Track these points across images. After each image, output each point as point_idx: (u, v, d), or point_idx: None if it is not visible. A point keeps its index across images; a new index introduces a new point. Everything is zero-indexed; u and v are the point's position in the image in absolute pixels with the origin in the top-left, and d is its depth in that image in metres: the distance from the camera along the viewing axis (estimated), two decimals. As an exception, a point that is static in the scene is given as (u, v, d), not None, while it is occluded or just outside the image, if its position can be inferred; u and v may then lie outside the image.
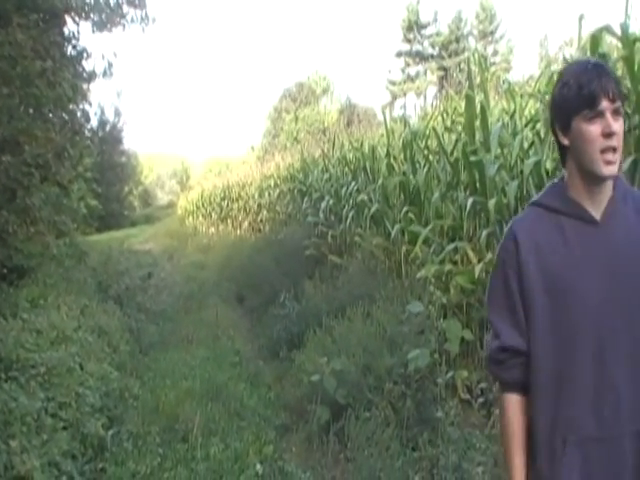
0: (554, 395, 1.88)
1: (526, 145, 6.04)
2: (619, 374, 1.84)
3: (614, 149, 1.82)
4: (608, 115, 1.81)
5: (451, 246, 6.27)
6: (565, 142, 1.90)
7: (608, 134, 1.81)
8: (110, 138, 41.16)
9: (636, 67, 4.63)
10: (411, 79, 41.43)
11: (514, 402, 1.97)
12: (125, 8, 14.13)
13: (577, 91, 1.83)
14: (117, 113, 43.20)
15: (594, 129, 1.82)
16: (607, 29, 4.76)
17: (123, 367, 6.92)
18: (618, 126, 1.82)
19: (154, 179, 67.09)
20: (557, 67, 5.77)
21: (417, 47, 41.60)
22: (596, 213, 1.89)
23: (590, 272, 1.86)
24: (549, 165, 5.57)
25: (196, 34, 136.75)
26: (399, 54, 42.22)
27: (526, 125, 6.26)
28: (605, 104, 1.81)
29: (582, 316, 1.86)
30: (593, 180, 1.87)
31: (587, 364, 1.85)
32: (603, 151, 1.81)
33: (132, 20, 14.33)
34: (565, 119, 1.88)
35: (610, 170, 1.83)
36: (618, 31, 4.67)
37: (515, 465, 1.94)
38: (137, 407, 5.91)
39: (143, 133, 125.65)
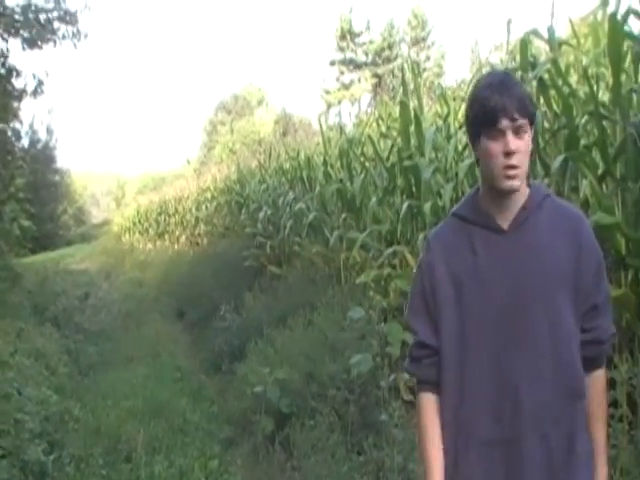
0: (459, 396, 1.93)
1: (460, 148, 6.13)
2: (520, 378, 1.88)
3: (514, 166, 1.86)
4: (508, 134, 1.85)
5: (389, 250, 6.31)
6: (476, 155, 1.97)
7: (507, 153, 1.85)
8: (42, 157, 40.25)
9: (563, 69, 4.75)
10: (345, 87, 41.71)
11: (430, 401, 2.00)
12: (56, 24, 13.88)
13: (480, 109, 1.88)
14: (49, 131, 42.35)
15: (495, 147, 1.86)
16: (535, 33, 4.87)
17: (62, 390, 6.75)
18: (520, 144, 1.86)
19: (89, 197, 65.89)
20: (487, 70, 5.86)
21: (351, 55, 41.95)
22: (504, 222, 1.93)
23: (494, 279, 1.91)
24: (483, 167, 5.64)
25: (129, 49, 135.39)
26: (333, 63, 42.51)
27: (460, 128, 6.35)
28: (505, 123, 1.84)
29: (485, 321, 1.91)
30: (498, 192, 1.92)
31: (489, 368, 1.90)
32: (504, 167, 1.86)
33: (63, 36, 14.09)
34: (473, 134, 1.94)
35: (510, 185, 1.88)
36: (545, 35, 4.77)
37: (431, 465, 1.96)
38: (78, 430, 5.76)
39: (76, 151, 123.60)
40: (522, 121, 1.85)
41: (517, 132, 1.86)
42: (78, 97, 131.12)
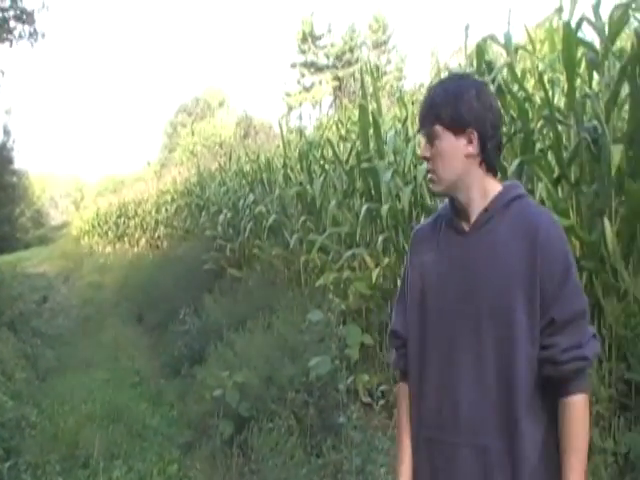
0: (417, 391, 2.00)
1: (419, 151, 6.17)
2: (462, 379, 1.88)
3: (429, 171, 1.96)
4: (422, 141, 1.96)
5: (348, 253, 6.35)
6: None
7: (422, 158, 1.99)
8: None
9: (519, 73, 4.83)
10: (307, 90, 41.76)
11: (403, 390, 2.07)
12: (12, 23, 13.69)
13: None
14: (6, 132, 41.54)
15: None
16: (492, 38, 4.94)
17: (19, 395, 6.64)
18: (432, 150, 1.92)
19: (47, 199, 64.92)
20: (446, 75, 5.93)
21: (312, 58, 41.99)
22: (467, 224, 1.95)
23: (449, 279, 1.94)
24: (441, 170, 5.71)
25: (89, 50, 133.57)
26: (294, 65, 42.50)
27: (418, 131, 6.39)
28: (421, 131, 1.97)
29: (438, 318, 1.95)
30: None
31: (438, 365, 1.93)
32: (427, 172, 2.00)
33: (20, 36, 13.90)
34: None
35: (432, 188, 1.99)
36: (502, 40, 4.84)
37: (400, 454, 2.06)
38: (35, 436, 5.66)
39: (35, 153, 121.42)
40: (428, 129, 1.91)
41: (429, 139, 1.92)
42: (37, 98, 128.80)
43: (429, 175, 1.96)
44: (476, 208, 1.93)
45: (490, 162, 1.93)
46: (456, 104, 1.88)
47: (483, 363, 1.86)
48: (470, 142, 1.88)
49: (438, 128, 1.89)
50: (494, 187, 1.93)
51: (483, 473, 1.84)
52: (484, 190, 1.92)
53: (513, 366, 1.83)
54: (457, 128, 1.88)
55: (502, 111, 4.87)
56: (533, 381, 1.82)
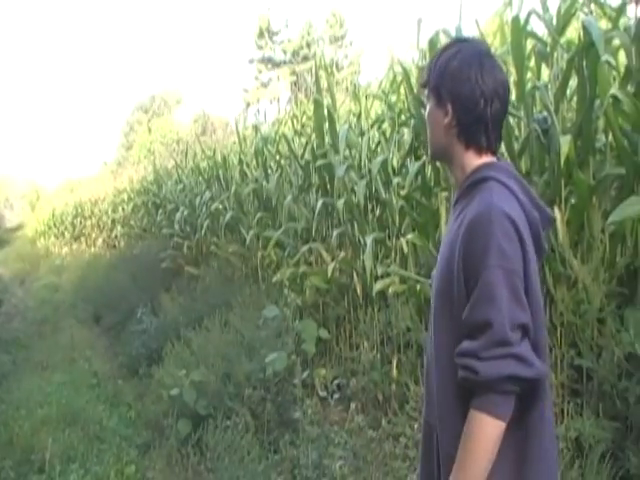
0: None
1: (373, 145, 6.20)
2: (429, 373, 1.93)
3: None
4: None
5: (305, 248, 6.35)
6: None
7: None
8: (-49, 160, 38.75)
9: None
10: (264, 85, 41.64)
11: None
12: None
13: None
14: (-42, 134, 40.84)
15: None
16: (444, 32, 4.97)
17: (-26, 401, 6.52)
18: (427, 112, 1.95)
19: (2, 200, 63.77)
20: (399, 69, 5.96)
21: (269, 54, 41.88)
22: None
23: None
24: (395, 163, 5.75)
25: (42, 49, 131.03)
26: (251, 61, 42.33)
27: (372, 125, 6.43)
28: None
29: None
30: None
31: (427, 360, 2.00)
32: None
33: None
34: None
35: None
36: (454, 34, 4.87)
37: None
38: (-11, 442, 5.57)
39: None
40: (423, 89, 1.95)
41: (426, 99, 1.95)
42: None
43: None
44: (458, 184, 1.90)
45: (468, 137, 1.84)
46: (436, 72, 1.87)
47: (431, 351, 1.90)
48: (446, 114, 1.85)
49: (427, 92, 1.91)
50: (473, 164, 1.86)
51: (439, 457, 1.88)
52: (462, 166, 1.87)
53: (435, 371, 1.86)
54: (437, 98, 1.87)
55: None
56: (447, 387, 1.79)
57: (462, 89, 1.80)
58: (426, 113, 1.94)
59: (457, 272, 1.72)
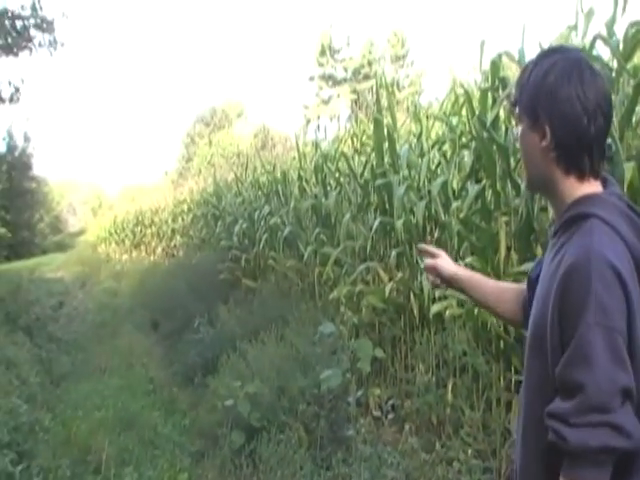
0: None
1: (433, 166, 6.22)
2: (518, 425, 1.74)
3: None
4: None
5: (362, 266, 6.38)
6: None
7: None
8: (19, 164, 40.02)
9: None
10: (324, 102, 41.90)
11: None
12: (32, 32, 13.90)
13: None
14: (26, 138, 42.11)
15: None
16: (506, 54, 4.98)
17: (33, 400, 6.67)
18: (516, 133, 1.74)
19: (66, 205, 65.47)
20: (461, 91, 5.98)
21: (330, 71, 42.13)
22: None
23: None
24: (455, 185, 5.75)
25: (108, 59, 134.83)
26: (312, 78, 42.66)
27: (433, 146, 6.44)
28: None
29: None
30: None
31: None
32: None
33: (40, 44, 14.12)
34: None
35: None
36: (517, 56, 4.88)
37: None
38: (48, 440, 5.69)
39: (55, 159, 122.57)
40: (514, 108, 1.71)
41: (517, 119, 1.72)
42: (58, 106, 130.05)
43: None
44: (557, 214, 1.69)
45: (569, 161, 1.61)
46: (530, 90, 1.64)
47: (521, 413, 1.71)
48: (543, 136, 1.62)
49: (518, 112, 1.69)
50: (574, 194, 1.62)
51: None
52: (562, 195, 1.64)
53: (524, 401, 1.68)
54: (531, 117, 1.64)
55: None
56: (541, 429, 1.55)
57: (561, 107, 1.58)
58: (518, 135, 1.71)
59: (551, 320, 1.53)
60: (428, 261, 2.16)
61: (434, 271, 2.14)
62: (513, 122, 4.89)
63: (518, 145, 1.73)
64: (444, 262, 2.14)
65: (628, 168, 3.65)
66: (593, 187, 1.62)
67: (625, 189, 3.69)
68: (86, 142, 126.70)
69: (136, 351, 9.31)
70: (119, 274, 19.48)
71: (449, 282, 2.13)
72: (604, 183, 1.66)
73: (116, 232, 27.10)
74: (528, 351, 1.66)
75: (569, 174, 1.62)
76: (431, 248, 2.21)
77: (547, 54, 1.68)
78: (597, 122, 1.58)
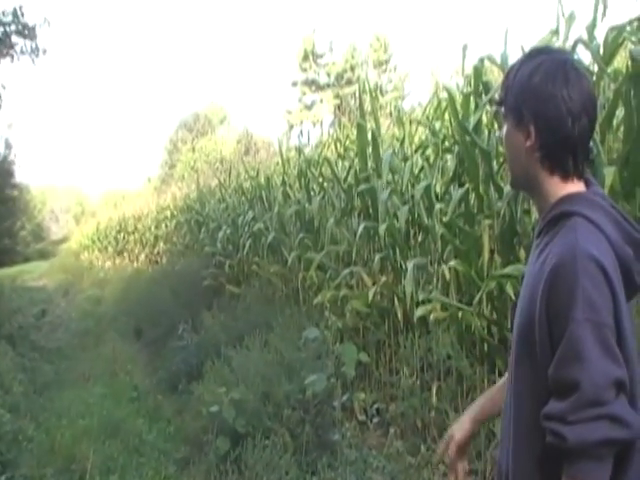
0: None
1: (416, 170, 6.24)
2: (505, 419, 1.74)
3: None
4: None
5: (346, 271, 6.39)
6: None
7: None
8: (1, 171, 39.70)
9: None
10: (307, 108, 41.94)
11: None
12: (14, 39, 13.81)
13: None
14: (8, 145, 41.70)
15: None
16: (489, 58, 5.01)
17: (16, 409, 6.63)
18: (501, 133, 1.74)
19: (48, 213, 65.08)
20: (444, 95, 6.01)
21: (313, 76, 42.18)
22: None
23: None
24: (438, 189, 5.78)
25: (90, 65, 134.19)
26: (295, 83, 42.68)
27: (416, 151, 6.48)
28: None
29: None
30: None
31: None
32: None
33: (22, 51, 14.03)
34: None
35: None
36: (499, 60, 4.91)
37: None
38: (32, 449, 5.65)
39: (36, 165, 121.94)
40: (499, 108, 1.72)
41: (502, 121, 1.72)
42: (38, 112, 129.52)
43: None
44: (541, 214, 1.70)
45: (554, 161, 1.62)
46: (515, 90, 1.65)
47: (507, 418, 1.71)
48: (528, 136, 1.63)
49: (504, 111, 1.70)
50: (558, 193, 1.64)
51: None
52: (546, 195, 1.66)
53: (512, 406, 1.67)
54: (516, 117, 1.65)
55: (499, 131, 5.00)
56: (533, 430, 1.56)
57: (546, 108, 1.59)
58: (503, 135, 1.72)
59: (539, 320, 1.53)
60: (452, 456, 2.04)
61: (462, 447, 2.04)
62: (496, 126, 4.94)
63: (502, 144, 1.76)
64: (458, 432, 2.05)
65: (609, 172, 3.69)
66: (577, 187, 1.64)
67: (606, 192, 3.72)
68: (68, 148, 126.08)
69: (120, 359, 9.25)
70: (102, 282, 19.38)
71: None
72: (587, 183, 1.67)
73: (99, 239, 26.96)
74: (515, 357, 1.66)
75: (553, 174, 1.63)
76: (448, 448, 2.07)
77: (533, 55, 1.69)
78: (581, 123, 1.59)
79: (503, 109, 1.71)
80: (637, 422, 1.45)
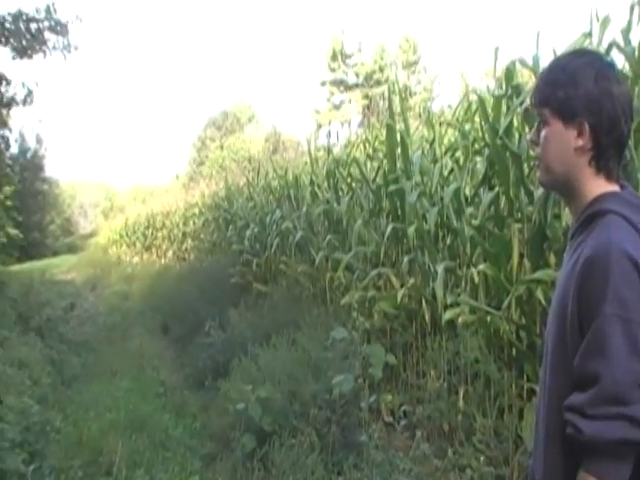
0: None
1: (445, 172, 6.22)
2: (539, 421, 1.71)
3: (537, 157, 1.72)
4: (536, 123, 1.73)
5: (374, 272, 6.38)
6: None
7: (530, 142, 1.79)
8: (31, 165, 40.33)
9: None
10: (336, 108, 41.94)
11: None
12: (47, 34, 13.98)
13: None
14: (38, 140, 42.44)
15: None
16: (520, 61, 4.98)
17: (45, 400, 6.72)
18: (542, 136, 1.69)
19: (77, 208, 65.73)
20: (474, 97, 5.98)
21: (342, 76, 42.16)
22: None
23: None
24: (468, 192, 5.75)
25: (120, 62, 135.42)
26: (323, 83, 42.71)
27: (445, 153, 6.44)
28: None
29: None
30: None
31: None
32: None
33: (54, 47, 14.19)
34: None
35: (538, 177, 1.76)
36: (530, 63, 4.88)
37: None
38: (59, 441, 5.72)
39: (66, 160, 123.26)
40: (538, 111, 1.68)
41: (539, 122, 1.69)
42: (70, 108, 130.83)
43: (536, 162, 1.75)
44: (575, 215, 1.68)
45: (603, 161, 1.61)
46: (567, 87, 1.61)
47: (542, 397, 1.69)
48: (580, 134, 1.60)
49: (546, 112, 1.65)
50: (596, 193, 1.62)
51: None
52: (585, 195, 1.63)
53: (546, 405, 1.65)
54: (567, 115, 1.62)
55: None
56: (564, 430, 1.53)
57: (602, 105, 1.57)
58: (542, 135, 1.68)
59: (571, 316, 1.53)
60: None
61: None
62: (527, 129, 4.90)
63: (539, 145, 1.70)
64: None
65: (642, 177, 3.65)
66: (614, 187, 1.63)
67: (640, 197, 3.69)
68: (98, 144, 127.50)
69: (147, 354, 9.33)
70: (130, 277, 19.52)
71: None
72: (621, 186, 1.66)
73: (127, 235, 27.17)
74: (551, 355, 1.64)
75: (599, 174, 1.62)
76: None
77: (580, 54, 1.69)
78: (628, 124, 1.60)
79: (545, 109, 1.67)
80: None
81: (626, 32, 4.37)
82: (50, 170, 48.89)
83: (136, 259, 23.70)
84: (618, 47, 4.28)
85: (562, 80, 1.63)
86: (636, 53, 4.23)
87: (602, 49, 4.33)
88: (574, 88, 1.60)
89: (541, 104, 1.68)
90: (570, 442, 1.49)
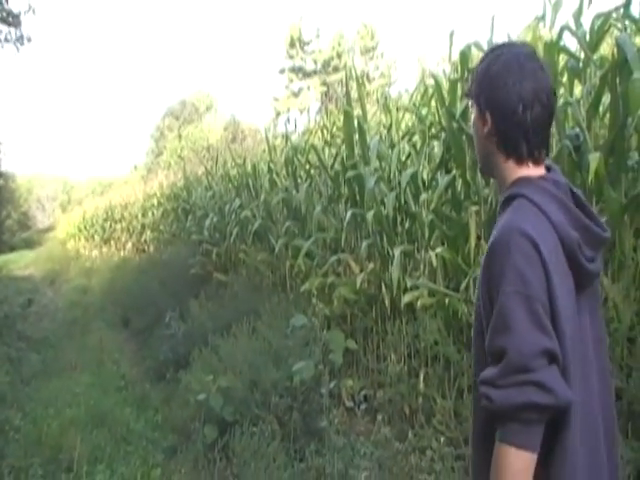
0: None
1: (403, 157, 6.23)
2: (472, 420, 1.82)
3: None
4: None
5: (333, 258, 6.39)
6: None
7: None
8: (-15, 161, 39.43)
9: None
10: (295, 95, 41.76)
11: None
12: (-2, 26, 13.63)
13: None
14: (-7, 135, 41.47)
15: None
16: (476, 45, 5.00)
17: (3, 399, 6.63)
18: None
19: (34, 202, 64.64)
20: (431, 82, 5.99)
21: (300, 63, 41.98)
22: None
23: None
24: (425, 176, 5.77)
25: (76, 53, 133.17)
26: (282, 70, 42.47)
27: (403, 138, 6.45)
28: None
29: None
30: None
31: None
32: None
33: (6, 39, 13.86)
34: None
35: None
36: (486, 47, 4.90)
37: None
38: (18, 440, 5.64)
39: (22, 154, 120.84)
40: (467, 98, 1.82)
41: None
42: (24, 101, 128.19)
43: None
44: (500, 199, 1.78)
45: (508, 146, 1.71)
46: (477, 79, 1.76)
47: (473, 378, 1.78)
48: (485, 122, 1.74)
49: (471, 101, 1.80)
50: (512, 177, 1.72)
51: None
52: (503, 178, 1.75)
53: (473, 386, 1.76)
54: (477, 105, 1.76)
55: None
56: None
57: (498, 95, 1.69)
58: (473, 122, 1.81)
59: (483, 298, 1.63)
60: None
61: None
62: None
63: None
64: None
65: (594, 158, 3.69)
66: (532, 171, 1.71)
67: (589, 179, 3.73)
68: (54, 136, 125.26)
69: (107, 348, 9.24)
70: (89, 271, 19.30)
71: None
72: (548, 170, 1.74)
73: (85, 228, 26.82)
74: (474, 338, 1.75)
75: (509, 158, 1.72)
76: None
77: (495, 48, 1.79)
78: (534, 110, 1.67)
79: (469, 100, 1.82)
80: (563, 390, 1.51)
81: (577, 15, 4.43)
82: (5, 164, 48.00)
83: (95, 252, 23.42)
84: (570, 30, 4.32)
85: (476, 74, 1.77)
86: (587, 36, 4.29)
87: (554, 33, 4.37)
88: (480, 81, 1.74)
89: (466, 95, 1.86)
90: (486, 415, 1.59)
